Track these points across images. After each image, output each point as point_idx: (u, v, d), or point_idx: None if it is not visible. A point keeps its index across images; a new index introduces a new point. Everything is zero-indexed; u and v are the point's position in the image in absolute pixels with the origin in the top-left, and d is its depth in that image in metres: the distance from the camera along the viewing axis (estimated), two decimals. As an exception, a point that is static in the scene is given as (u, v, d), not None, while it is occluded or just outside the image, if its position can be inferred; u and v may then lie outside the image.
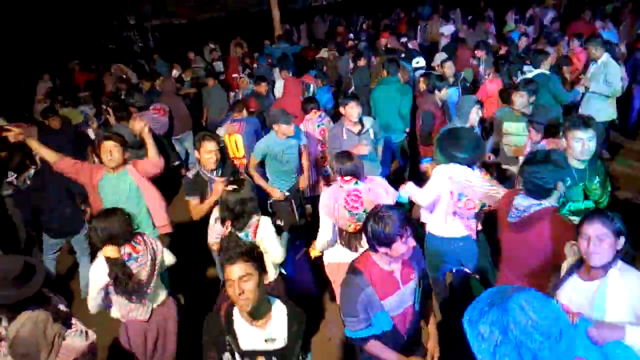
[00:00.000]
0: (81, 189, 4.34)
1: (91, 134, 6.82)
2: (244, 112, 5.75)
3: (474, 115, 4.42)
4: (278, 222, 4.63)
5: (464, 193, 3.39)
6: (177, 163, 7.38)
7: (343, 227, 3.41)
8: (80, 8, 28.94)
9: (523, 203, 2.80)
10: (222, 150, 4.10)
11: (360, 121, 4.76)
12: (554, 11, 12.49)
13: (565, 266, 2.52)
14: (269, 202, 4.80)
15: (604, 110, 5.86)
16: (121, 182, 4.05)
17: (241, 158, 5.42)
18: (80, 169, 4.10)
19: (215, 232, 3.41)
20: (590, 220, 2.26)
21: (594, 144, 3.23)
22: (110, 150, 3.97)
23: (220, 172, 4.01)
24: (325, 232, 3.45)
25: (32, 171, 4.84)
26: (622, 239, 2.23)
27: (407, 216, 2.41)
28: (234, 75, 9.81)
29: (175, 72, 9.84)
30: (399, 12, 16.97)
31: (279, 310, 2.32)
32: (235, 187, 3.23)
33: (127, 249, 3.08)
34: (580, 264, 2.39)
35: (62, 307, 2.71)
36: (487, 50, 7.69)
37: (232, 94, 8.92)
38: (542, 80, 5.47)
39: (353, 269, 2.49)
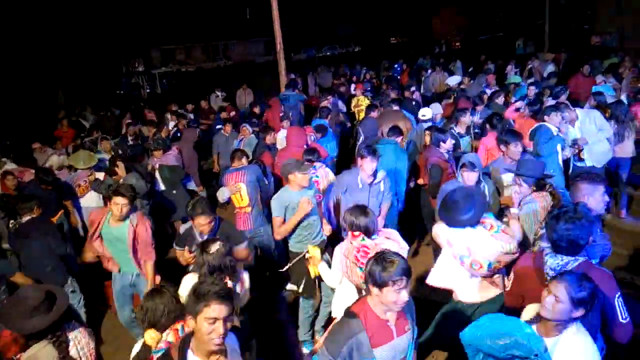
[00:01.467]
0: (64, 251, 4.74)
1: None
2: (244, 160, 5.76)
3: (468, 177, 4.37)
4: (293, 286, 4.51)
5: (466, 254, 3.31)
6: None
7: (356, 284, 3.32)
8: (90, 54, 29.88)
9: (558, 262, 2.71)
10: (217, 219, 4.09)
11: (374, 173, 4.74)
12: (554, 65, 12.77)
13: (528, 313, 2.56)
14: (287, 265, 4.52)
15: (606, 154, 6.11)
16: (122, 231, 4.37)
17: (245, 207, 5.37)
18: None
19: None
20: (560, 280, 2.33)
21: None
22: (122, 206, 4.26)
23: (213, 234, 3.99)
24: (334, 279, 3.41)
25: (25, 218, 4.85)
26: (581, 311, 2.29)
27: (410, 270, 2.37)
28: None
29: (171, 123, 9.96)
30: (401, 64, 17.45)
31: (232, 342, 2.31)
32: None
33: (169, 336, 2.71)
34: (540, 317, 2.43)
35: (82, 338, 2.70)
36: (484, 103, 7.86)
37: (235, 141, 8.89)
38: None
39: (349, 313, 2.46)
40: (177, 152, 7.29)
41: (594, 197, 3.26)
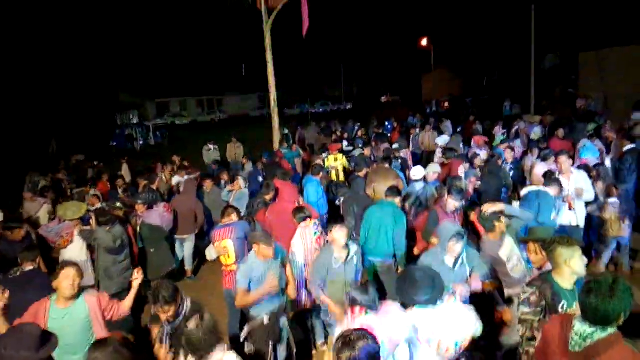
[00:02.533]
0: None
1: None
2: (234, 217, 5.68)
3: (453, 247, 4.28)
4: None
5: (431, 337, 3.15)
6: (170, 269, 7.08)
7: None
8: (85, 104, 30.29)
9: (586, 329, 2.57)
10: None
11: (347, 246, 4.64)
12: (540, 127, 13.07)
13: None
14: (246, 330, 4.34)
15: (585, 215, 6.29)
16: (76, 311, 3.77)
17: (231, 265, 5.24)
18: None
19: None
20: None
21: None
22: (74, 278, 3.72)
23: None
24: None
25: (27, 267, 4.78)
26: None
27: (377, 356, 2.33)
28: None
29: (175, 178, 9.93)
30: (392, 122, 17.83)
31: None
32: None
33: None
34: None
35: None
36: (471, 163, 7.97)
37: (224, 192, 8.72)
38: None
39: None
40: (166, 209, 7.02)
41: (575, 260, 3.22)
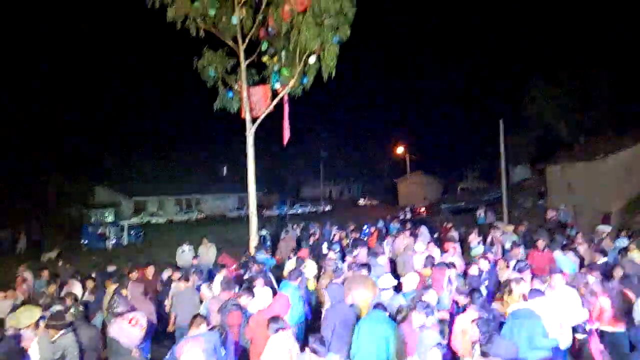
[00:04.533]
0: None
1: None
2: (203, 327, 5.40)
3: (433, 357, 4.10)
4: None
5: None
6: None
7: None
8: (57, 200, 29.94)
9: None
10: None
11: None
12: (515, 236, 13.25)
13: None
14: None
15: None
16: None
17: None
18: None
19: None
20: None
21: None
22: None
23: None
24: None
25: None
26: None
27: None
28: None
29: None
30: (370, 226, 17.91)
31: None
32: None
33: None
34: None
35: None
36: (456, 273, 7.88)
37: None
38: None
39: None
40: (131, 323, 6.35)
41: None
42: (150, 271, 10.00)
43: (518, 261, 8.08)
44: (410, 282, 7.35)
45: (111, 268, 11.53)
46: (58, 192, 30.21)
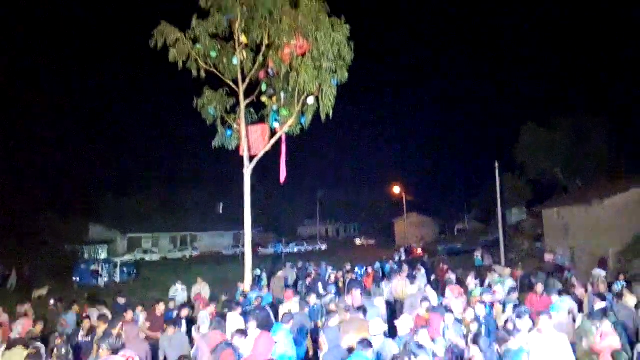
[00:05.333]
0: None
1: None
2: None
3: None
4: None
5: None
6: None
7: None
8: (49, 237, 29.58)
9: None
10: None
11: None
12: (512, 280, 13.16)
13: None
14: None
15: None
16: None
17: None
18: None
19: None
20: None
21: None
22: None
23: None
24: None
25: None
26: None
27: None
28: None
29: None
30: (361, 268, 17.63)
31: None
32: None
33: None
34: None
35: None
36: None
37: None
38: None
39: None
40: None
41: None
42: (160, 308, 9.85)
43: (516, 306, 7.99)
44: (404, 325, 7.22)
45: (122, 300, 11.48)
46: (50, 229, 29.87)
